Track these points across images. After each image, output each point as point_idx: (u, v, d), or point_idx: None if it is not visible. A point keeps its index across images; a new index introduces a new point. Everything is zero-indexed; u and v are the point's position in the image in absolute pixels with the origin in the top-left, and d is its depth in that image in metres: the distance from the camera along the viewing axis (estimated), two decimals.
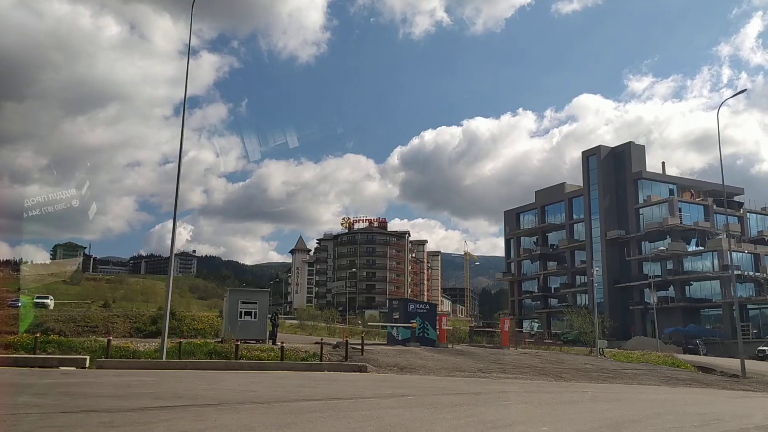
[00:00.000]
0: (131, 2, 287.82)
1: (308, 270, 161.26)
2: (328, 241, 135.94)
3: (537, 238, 79.94)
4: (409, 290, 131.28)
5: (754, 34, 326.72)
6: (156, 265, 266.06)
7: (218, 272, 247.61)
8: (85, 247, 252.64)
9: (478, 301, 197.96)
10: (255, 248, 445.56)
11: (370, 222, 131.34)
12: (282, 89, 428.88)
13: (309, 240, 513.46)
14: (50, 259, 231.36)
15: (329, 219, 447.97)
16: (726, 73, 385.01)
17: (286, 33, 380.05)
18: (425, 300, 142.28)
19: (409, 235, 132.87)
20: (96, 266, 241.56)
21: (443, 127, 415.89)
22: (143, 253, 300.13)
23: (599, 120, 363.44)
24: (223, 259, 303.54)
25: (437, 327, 30.20)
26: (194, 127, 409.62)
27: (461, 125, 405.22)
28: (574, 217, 75.35)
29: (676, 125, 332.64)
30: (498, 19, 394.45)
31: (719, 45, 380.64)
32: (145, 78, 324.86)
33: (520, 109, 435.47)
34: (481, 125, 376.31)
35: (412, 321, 29.19)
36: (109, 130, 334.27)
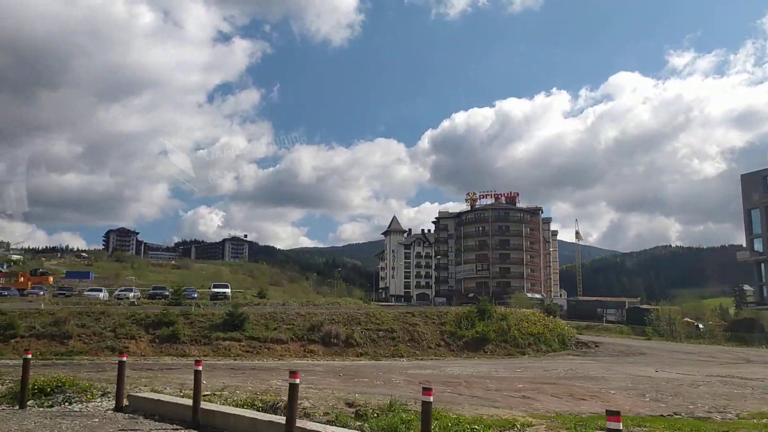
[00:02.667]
0: None
1: (405, 252, 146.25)
2: (448, 219, 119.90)
3: None
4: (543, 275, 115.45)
5: None
6: (205, 249, 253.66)
7: (273, 257, 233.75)
8: (138, 233, 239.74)
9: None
10: (285, 233, 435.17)
11: (497, 197, 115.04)
12: (315, 73, 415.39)
13: (340, 225, 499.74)
14: (102, 245, 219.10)
15: (360, 204, 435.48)
16: None
17: (319, 16, 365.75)
18: (550, 286, 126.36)
19: (542, 212, 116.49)
20: (146, 252, 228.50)
21: (475, 108, 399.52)
22: (176, 239, 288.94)
23: (636, 98, 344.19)
24: (260, 244, 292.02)
25: None
26: (226, 114, 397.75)
27: (494, 106, 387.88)
28: None
29: (717, 102, 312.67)
30: None
31: (764, 17, 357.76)
32: (178, 65, 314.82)
33: (554, 89, 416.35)
34: (514, 106, 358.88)
35: None
36: (143, 118, 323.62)
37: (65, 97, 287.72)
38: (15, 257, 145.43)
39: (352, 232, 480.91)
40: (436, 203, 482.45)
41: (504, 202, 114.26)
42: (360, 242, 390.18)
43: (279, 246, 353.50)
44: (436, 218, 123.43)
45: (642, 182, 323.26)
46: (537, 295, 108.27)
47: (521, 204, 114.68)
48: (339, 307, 45.55)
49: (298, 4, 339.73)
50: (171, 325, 32.31)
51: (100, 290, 53.99)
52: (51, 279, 64.73)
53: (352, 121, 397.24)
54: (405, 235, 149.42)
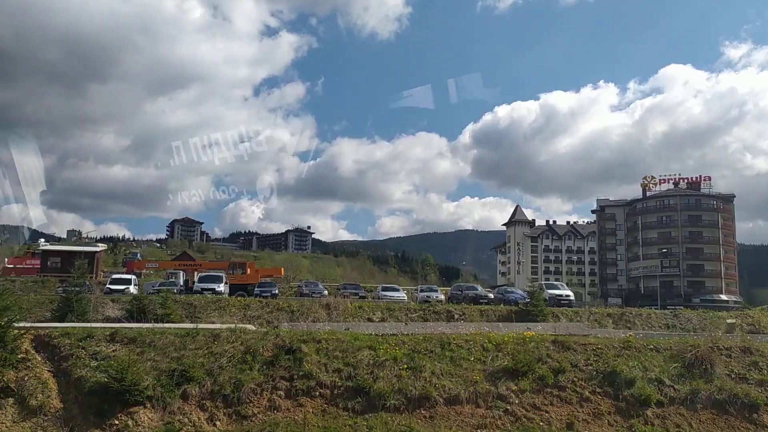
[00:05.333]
0: None
1: (531, 246, 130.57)
2: (616, 207, 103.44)
3: None
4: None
5: None
6: (266, 240, 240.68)
7: (322, 250, 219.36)
8: (202, 223, 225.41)
9: None
10: (325, 227, 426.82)
11: (676, 182, 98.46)
12: (360, 67, 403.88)
13: (379, 218, 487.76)
14: (166, 234, 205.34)
15: (400, 198, 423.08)
16: None
17: (367, 10, 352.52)
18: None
19: (734, 197, 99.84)
20: (207, 242, 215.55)
21: (519, 102, 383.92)
22: (218, 231, 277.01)
23: (688, 92, 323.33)
24: None
25: None
26: (271, 107, 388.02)
27: (538, 99, 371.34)
28: None
29: None
30: None
31: None
32: (226, 59, 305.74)
33: (602, 82, 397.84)
34: (560, 99, 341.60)
35: None
36: (190, 111, 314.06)
37: (114, 90, 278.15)
38: (101, 246, 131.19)
39: (391, 226, 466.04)
40: (476, 198, 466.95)
41: (685, 187, 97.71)
42: (401, 236, 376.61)
43: (320, 239, 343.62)
44: (599, 207, 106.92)
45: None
46: (733, 297, 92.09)
47: (705, 189, 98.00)
48: None
49: None
50: None
51: (397, 290, 38.45)
52: (282, 271, 49.20)
53: (395, 115, 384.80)
54: (530, 226, 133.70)
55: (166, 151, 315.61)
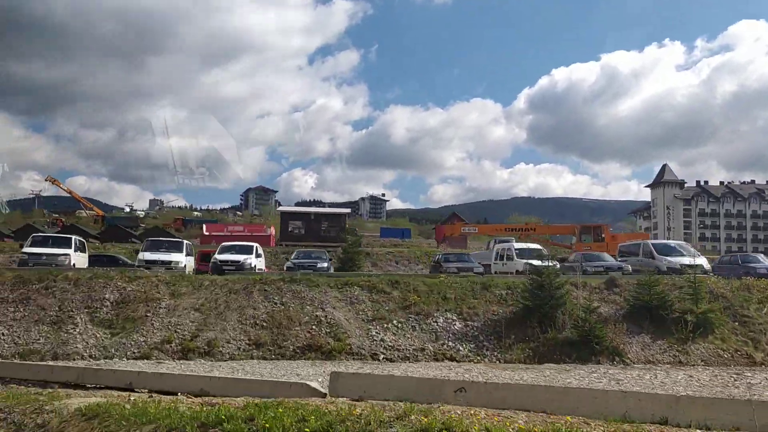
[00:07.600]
0: None
1: (684, 210, 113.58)
2: None
3: None
4: None
5: None
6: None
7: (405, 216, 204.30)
8: (276, 191, 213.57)
9: None
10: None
11: None
12: (415, 33, 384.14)
13: (431, 186, 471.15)
14: (240, 203, 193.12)
15: (453, 165, 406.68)
16: None
17: None
18: None
19: None
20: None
21: (578, 63, 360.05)
22: (277, 200, 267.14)
23: (759, 49, 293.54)
24: None
25: None
26: (324, 76, 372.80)
27: (599, 60, 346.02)
28: None
29: None
30: None
31: None
32: (279, 29, 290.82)
33: (667, 40, 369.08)
34: (622, 60, 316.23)
35: None
36: (244, 82, 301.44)
37: (170, 62, 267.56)
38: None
39: (443, 194, 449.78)
40: (531, 164, 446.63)
41: None
42: (454, 204, 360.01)
43: None
44: None
45: (761, 139, 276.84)
46: None
47: None
48: None
49: None
50: None
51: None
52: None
53: (449, 81, 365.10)
54: (681, 188, 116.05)
55: (220, 123, 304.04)
